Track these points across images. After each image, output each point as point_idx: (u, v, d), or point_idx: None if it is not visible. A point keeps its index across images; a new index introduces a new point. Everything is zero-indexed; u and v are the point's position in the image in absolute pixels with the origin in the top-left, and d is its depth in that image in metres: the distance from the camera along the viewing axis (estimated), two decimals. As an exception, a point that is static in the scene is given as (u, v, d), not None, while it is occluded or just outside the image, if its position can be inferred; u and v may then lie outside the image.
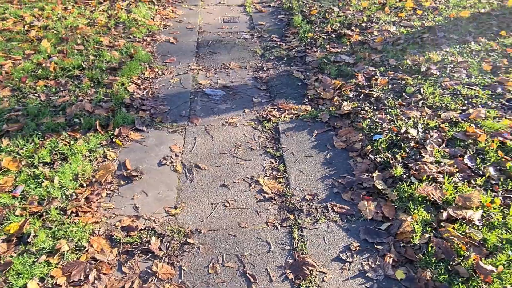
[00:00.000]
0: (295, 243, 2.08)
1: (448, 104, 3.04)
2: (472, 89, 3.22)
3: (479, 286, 1.78)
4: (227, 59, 4.21)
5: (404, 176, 2.40)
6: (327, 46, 4.20)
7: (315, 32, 4.55)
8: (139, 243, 2.08)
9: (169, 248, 2.05)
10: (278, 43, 4.54)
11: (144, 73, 3.84)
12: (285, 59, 4.17)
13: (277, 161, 2.71)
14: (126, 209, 2.32)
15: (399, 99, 3.17)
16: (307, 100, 3.40)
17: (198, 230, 2.17)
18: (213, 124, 3.12)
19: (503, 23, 4.40)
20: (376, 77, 3.49)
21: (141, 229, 2.16)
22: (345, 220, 2.22)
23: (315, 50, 4.18)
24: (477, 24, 4.43)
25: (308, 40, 4.42)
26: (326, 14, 5.02)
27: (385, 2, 5.27)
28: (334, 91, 3.39)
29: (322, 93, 3.40)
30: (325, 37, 4.43)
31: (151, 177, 2.56)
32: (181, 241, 2.09)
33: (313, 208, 2.30)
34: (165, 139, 2.93)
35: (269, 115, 3.20)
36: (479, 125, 2.78)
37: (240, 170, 2.63)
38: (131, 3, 5.50)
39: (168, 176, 2.57)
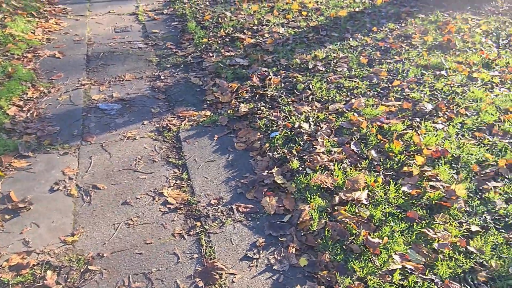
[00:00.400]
0: (203, 249, 2.09)
1: (334, 97, 3.32)
2: (353, 81, 3.56)
3: (370, 258, 1.98)
4: (121, 70, 4.04)
5: (300, 168, 2.57)
6: (222, 51, 4.28)
7: (210, 37, 4.61)
8: (32, 281, 1.89)
9: (68, 280, 1.90)
10: (174, 51, 4.49)
11: (26, 93, 3.50)
12: (182, 66, 4.15)
13: (181, 170, 2.69)
14: (15, 245, 2.10)
15: (291, 96, 3.38)
16: (206, 105, 3.43)
17: (100, 255, 2.05)
18: (110, 140, 2.98)
19: (374, 20, 4.95)
20: (270, 77, 3.66)
21: (33, 265, 1.97)
22: (250, 219, 2.29)
23: (211, 55, 4.24)
24: (353, 21, 4.91)
25: (204, 45, 4.46)
26: (219, 19, 5.11)
27: (273, 5, 5.55)
28: (231, 94, 3.47)
29: (220, 97, 3.45)
30: (219, 42, 4.51)
31: (43, 206, 2.35)
32: (82, 270, 1.96)
33: (219, 212, 2.34)
34: (56, 162, 2.71)
35: (169, 125, 3.15)
36: (360, 113, 3.09)
37: (143, 185, 2.55)
38: (5, 16, 4.95)
39: (62, 202, 2.39)
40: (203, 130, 3.08)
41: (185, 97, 3.58)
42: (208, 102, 3.46)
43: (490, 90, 3.45)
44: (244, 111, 3.20)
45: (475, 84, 3.53)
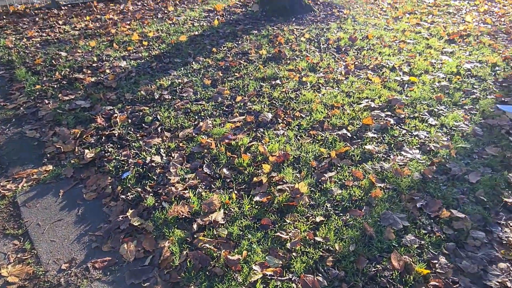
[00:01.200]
0: (57, 324, 1.88)
1: (182, 123, 3.37)
2: (199, 104, 3.67)
3: (233, 277, 2.04)
4: None
5: (156, 204, 2.52)
6: (60, 95, 3.96)
7: (44, 83, 4.22)
8: None
9: None
10: (2, 104, 3.97)
11: None
12: (14, 120, 3.70)
13: (22, 240, 2.38)
14: None
15: (140, 131, 3.30)
16: (46, 159, 3.11)
17: None
18: None
19: (214, 41, 5.21)
20: (115, 115, 3.52)
21: None
22: (109, 273, 2.15)
23: (47, 102, 3.87)
24: (194, 45, 5.09)
25: (37, 93, 4.05)
26: (53, 61, 4.73)
27: (112, 39, 5.38)
28: (74, 141, 3.23)
29: (62, 147, 3.18)
30: (56, 86, 4.16)
31: None
32: None
33: (72, 276, 2.13)
34: None
35: (2, 191, 2.76)
36: (209, 135, 3.20)
37: (-27, 271, 2.17)
38: None
39: None
40: (46, 188, 2.79)
41: (20, 154, 3.19)
42: (48, 155, 3.14)
43: (318, 90, 3.94)
44: (91, 157, 3.00)
45: (305, 87, 4.00)
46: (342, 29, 5.82)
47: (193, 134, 3.20)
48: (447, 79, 4.24)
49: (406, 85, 4.08)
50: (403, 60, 4.71)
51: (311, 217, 2.41)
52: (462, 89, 4.01)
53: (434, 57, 4.81)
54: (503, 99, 3.80)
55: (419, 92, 3.88)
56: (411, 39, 5.46)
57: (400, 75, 4.30)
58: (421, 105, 3.66)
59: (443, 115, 3.51)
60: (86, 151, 3.08)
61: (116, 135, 3.26)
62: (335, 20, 6.29)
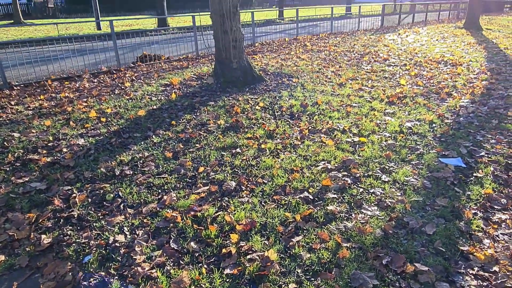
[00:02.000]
0: None
1: (146, 198, 3.33)
2: (162, 177, 3.68)
3: None
4: None
5: (122, 287, 2.40)
6: (13, 178, 3.79)
7: (-6, 166, 4.04)
8: None
9: None
10: None
11: None
12: (-41, 208, 3.45)
13: None
14: None
15: (102, 210, 3.21)
16: (-2, 249, 2.90)
17: None
18: None
19: (172, 114, 5.36)
20: (74, 195, 3.42)
21: None
22: None
23: (-2, 186, 3.69)
24: (153, 119, 5.19)
25: (-13, 177, 3.86)
26: (5, 142, 4.58)
27: (69, 117, 5.36)
28: (30, 227, 3.05)
29: (16, 234, 2.99)
30: (8, 169, 4.00)
31: None
32: None
33: None
34: None
35: None
36: (174, 208, 3.18)
37: None
38: None
39: None
40: (-3, 282, 2.57)
41: (-33, 246, 2.95)
42: (0, 245, 2.93)
43: (277, 156, 4.12)
44: (48, 242, 2.84)
45: (264, 154, 4.16)
46: (293, 96, 6.25)
47: (158, 209, 3.17)
48: (392, 138, 4.61)
49: (357, 145, 4.38)
50: (351, 123, 5.09)
51: (283, 286, 2.40)
52: (407, 146, 4.37)
53: (378, 118, 5.25)
54: (443, 152, 4.18)
55: (370, 152, 4.17)
56: (356, 103, 5.96)
57: (350, 137, 4.62)
58: (373, 163, 3.92)
59: (394, 172, 3.77)
60: (43, 236, 2.91)
61: (76, 216, 3.14)
62: (286, 88, 6.75)
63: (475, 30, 16.27)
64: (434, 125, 5.03)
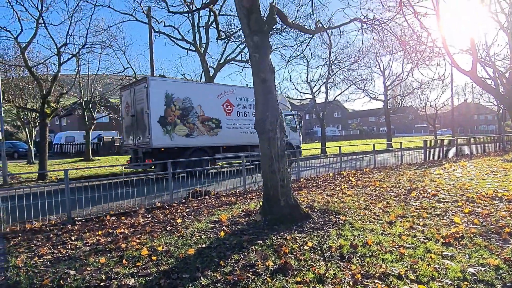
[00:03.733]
0: None
1: None
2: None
3: None
4: None
5: None
6: (63, 320, 3.82)
7: (48, 306, 4.13)
8: None
9: None
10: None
11: None
12: None
13: None
14: None
15: None
16: None
17: None
18: None
19: (221, 253, 5.40)
20: None
21: None
22: None
23: (49, 329, 3.71)
24: (202, 258, 5.24)
25: (40, 318, 3.92)
26: (61, 280, 4.76)
27: (122, 254, 5.57)
28: None
29: None
30: (60, 309, 4.06)
31: None
32: None
33: None
34: None
35: None
36: None
37: None
38: None
39: None
40: None
41: None
42: None
43: (329, 304, 3.87)
44: None
45: (316, 301, 3.94)
46: (341, 235, 6.14)
47: None
48: (456, 286, 4.23)
49: (417, 294, 4.04)
50: (407, 267, 4.80)
51: None
52: (474, 297, 3.96)
53: (436, 262, 4.93)
54: (518, 307, 3.73)
55: (432, 303, 3.82)
56: (409, 243, 5.70)
57: (408, 283, 4.32)
58: (438, 317, 3.55)
59: (463, 329, 3.36)
60: None
61: None
62: (333, 227, 6.69)
63: (526, 162, 15.90)
64: (501, 271, 4.61)
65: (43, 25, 17.60)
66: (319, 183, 12.58)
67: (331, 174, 14.59)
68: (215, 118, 18.42)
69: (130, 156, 18.41)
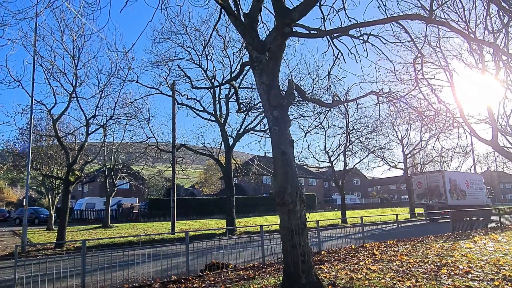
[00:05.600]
0: None
1: None
2: None
3: None
4: None
5: None
6: None
7: None
8: None
9: None
10: None
11: None
12: None
13: None
14: None
15: None
16: None
17: None
18: None
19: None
20: None
21: None
22: None
23: None
24: None
25: None
26: None
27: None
28: None
29: None
30: None
31: None
32: None
33: None
34: None
35: None
36: None
37: None
38: None
39: None
40: None
41: None
42: None
43: None
44: None
45: None
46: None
47: None
48: None
49: None
50: None
51: None
52: None
53: None
54: None
55: None
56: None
57: None
58: None
59: None
60: None
61: None
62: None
63: None
64: None
65: (75, 99, 18.80)
66: (341, 256, 12.01)
67: (353, 247, 13.96)
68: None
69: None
